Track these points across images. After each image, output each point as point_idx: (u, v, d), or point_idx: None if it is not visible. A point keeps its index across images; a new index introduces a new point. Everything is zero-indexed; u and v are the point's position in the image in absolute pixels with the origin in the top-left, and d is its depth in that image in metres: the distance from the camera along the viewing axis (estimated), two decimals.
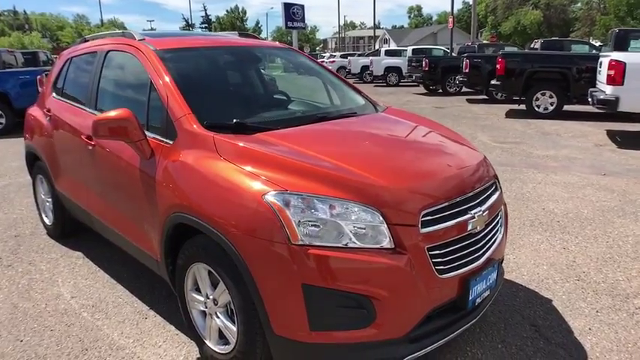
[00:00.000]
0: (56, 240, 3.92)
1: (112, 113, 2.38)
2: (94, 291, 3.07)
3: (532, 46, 15.06)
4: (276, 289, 1.84)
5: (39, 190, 4.07)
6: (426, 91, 17.67)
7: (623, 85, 6.84)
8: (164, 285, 2.84)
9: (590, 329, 2.51)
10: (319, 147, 2.20)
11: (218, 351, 2.22)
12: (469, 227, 2.01)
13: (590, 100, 8.08)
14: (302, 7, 17.42)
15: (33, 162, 4.03)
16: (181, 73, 2.62)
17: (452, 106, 13.04)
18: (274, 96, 3.39)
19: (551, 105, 10.18)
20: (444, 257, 1.93)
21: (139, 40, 2.87)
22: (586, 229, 3.92)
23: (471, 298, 2.05)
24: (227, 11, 69.55)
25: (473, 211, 2.04)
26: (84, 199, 3.21)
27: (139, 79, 2.71)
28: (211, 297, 2.19)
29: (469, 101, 14.01)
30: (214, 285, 2.17)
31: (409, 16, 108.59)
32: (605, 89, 7.16)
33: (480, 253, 2.09)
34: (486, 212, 2.12)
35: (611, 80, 6.96)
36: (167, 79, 2.51)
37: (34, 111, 3.95)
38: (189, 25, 56.08)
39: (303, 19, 17.55)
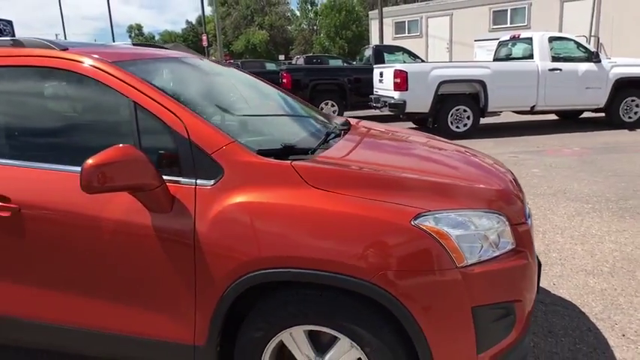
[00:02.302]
0: None
1: (115, 152, 1.62)
2: None
3: (294, 61, 16.61)
4: (443, 320, 1.63)
5: None
6: None
7: (407, 90, 8.32)
8: None
9: None
10: (395, 163, 2.01)
11: None
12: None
13: (374, 105, 9.55)
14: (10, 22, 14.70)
15: None
16: (180, 93, 1.96)
17: None
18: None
19: (334, 113, 11.53)
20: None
21: (65, 50, 2.00)
22: None
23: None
24: None
25: None
26: None
27: (101, 106, 1.90)
28: None
29: None
30: (323, 348, 1.75)
31: (130, 35, 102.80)
32: (392, 95, 8.56)
33: None
34: None
35: (397, 87, 8.37)
36: (172, 102, 1.84)
37: None
38: None
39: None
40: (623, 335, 2.50)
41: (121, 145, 1.67)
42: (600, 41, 12.34)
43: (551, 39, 8.79)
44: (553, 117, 10.39)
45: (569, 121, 10.21)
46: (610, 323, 2.62)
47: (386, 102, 8.77)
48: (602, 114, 9.18)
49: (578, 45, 8.83)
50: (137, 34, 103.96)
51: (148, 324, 1.86)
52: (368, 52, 12.54)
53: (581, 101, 8.80)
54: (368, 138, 2.44)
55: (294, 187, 1.71)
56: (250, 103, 2.74)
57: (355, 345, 1.68)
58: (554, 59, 8.65)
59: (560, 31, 13.07)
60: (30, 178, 1.92)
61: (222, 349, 1.85)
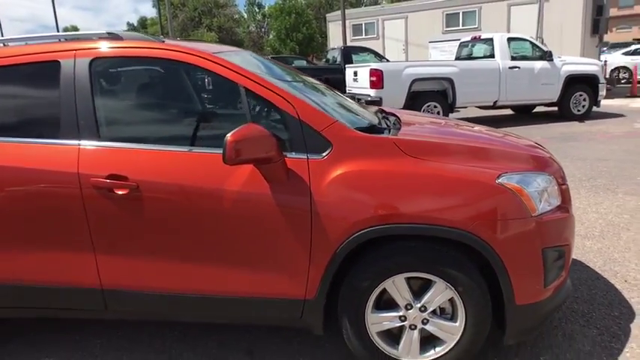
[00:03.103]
0: None
1: (249, 129, 1.87)
2: None
3: None
4: (521, 260, 2.01)
5: None
6: None
7: (383, 88, 8.79)
8: None
9: None
10: (462, 138, 2.38)
11: None
12: None
13: None
14: None
15: None
16: (279, 78, 2.22)
17: None
18: None
19: None
20: None
21: (163, 42, 2.22)
22: None
23: None
24: None
25: None
26: (79, 272, 2.17)
27: (212, 92, 2.14)
28: (417, 305, 2.08)
29: None
30: (419, 293, 2.08)
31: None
32: (369, 92, 9.00)
33: None
34: None
35: (373, 85, 8.82)
36: (279, 87, 2.11)
37: None
38: None
39: None
40: (626, 281, 3.01)
41: (252, 123, 1.92)
42: (544, 42, 13.36)
43: (510, 39, 9.59)
44: (509, 112, 11.25)
45: (525, 115, 11.11)
46: (612, 273, 3.13)
47: (360, 99, 9.19)
48: (555, 108, 10.09)
49: (533, 45, 9.68)
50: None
51: (264, 284, 2.11)
52: (334, 53, 12.96)
53: (537, 96, 9.65)
54: (423, 120, 2.80)
55: (396, 157, 2.03)
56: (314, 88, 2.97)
57: (450, 286, 2.03)
58: (513, 58, 9.44)
59: (508, 32, 14.06)
60: (144, 158, 2.11)
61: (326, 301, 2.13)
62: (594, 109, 9.98)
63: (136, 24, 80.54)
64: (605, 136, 8.06)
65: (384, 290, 2.09)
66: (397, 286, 2.07)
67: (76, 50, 2.23)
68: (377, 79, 8.74)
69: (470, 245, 1.97)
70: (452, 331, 2.10)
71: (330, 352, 2.41)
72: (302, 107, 2.09)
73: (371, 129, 2.24)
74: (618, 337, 2.43)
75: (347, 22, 19.34)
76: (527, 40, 9.75)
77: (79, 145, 2.13)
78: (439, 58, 14.66)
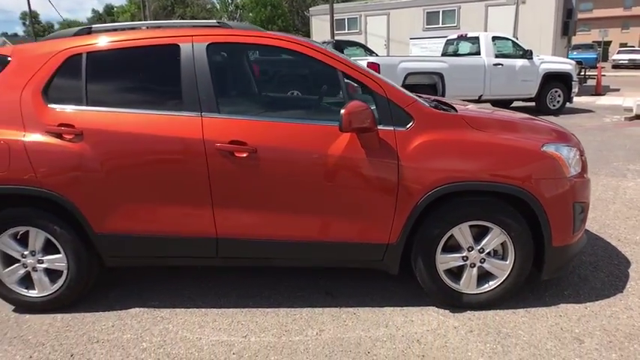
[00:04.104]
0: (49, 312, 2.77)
1: (357, 105, 2.36)
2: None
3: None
4: (558, 211, 2.59)
5: (11, 251, 2.71)
6: None
7: None
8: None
9: None
10: (501, 116, 2.94)
11: (480, 292, 2.69)
12: None
13: None
14: None
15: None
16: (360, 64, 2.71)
17: None
18: None
19: None
20: None
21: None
22: None
23: None
24: None
25: None
26: (198, 223, 2.60)
27: (316, 75, 2.60)
28: (477, 248, 2.62)
29: None
30: (480, 237, 2.62)
31: (24, 23, 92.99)
32: None
33: None
34: None
35: None
36: (369, 72, 2.60)
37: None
38: None
39: None
40: (619, 240, 3.67)
41: (357, 100, 2.41)
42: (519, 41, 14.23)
43: (494, 38, 10.33)
44: (488, 106, 12.04)
45: (504, 108, 11.91)
46: (607, 234, 3.79)
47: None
48: (532, 103, 10.92)
49: (515, 44, 10.46)
50: (33, 22, 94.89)
51: (355, 231, 2.61)
52: (325, 47, 13.38)
53: (518, 91, 10.45)
54: (468, 105, 3.33)
55: (464, 129, 2.57)
56: None
57: (504, 231, 2.59)
58: (497, 56, 10.19)
59: (485, 31, 14.87)
60: (260, 128, 2.56)
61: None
62: (567, 104, 10.88)
63: (101, 11, 78.30)
64: (580, 128, 8.89)
65: (451, 236, 2.63)
66: (462, 232, 2.62)
67: (193, 36, 2.64)
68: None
69: (520, 198, 2.53)
70: (503, 268, 2.66)
71: (394, 292, 2.93)
72: (388, 88, 2.60)
73: (437, 107, 2.77)
74: (620, 278, 3.06)
75: (329, 16, 19.79)
76: (510, 40, 10.52)
77: (201, 116, 2.56)
78: (419, 53, 15.38)
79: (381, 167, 2.51)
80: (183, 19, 50.12)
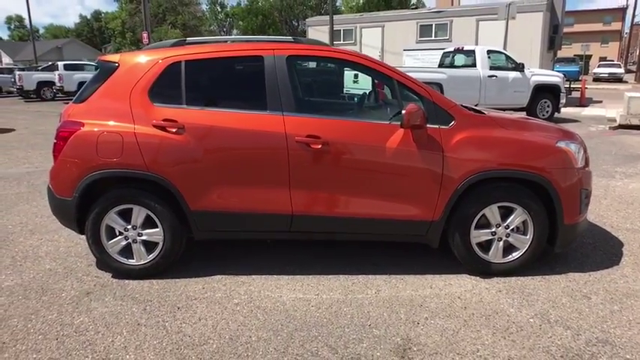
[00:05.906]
0: (152, 278, 3.28)
1: (414, 106, 2.96)
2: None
3: None
4: (569, 196, 3.20)
5: (116, 225, 3.22)
6: None
7: (384, 89, 9.98)
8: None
9: None
10: (520, 119, 3.56)
11: (505, 261, 3.28)
12: None
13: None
14: None
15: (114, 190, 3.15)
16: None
17: None
18: None
19: None
20: None
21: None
22: None
23: None
24: None
25: None
26: (278, 202, 3.15)
27: (367, 80, 3.19)
28: (504, 224, 3.23)
29: None
30: (505, 216, 3.22)
31: (9, 27, 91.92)
32: None
33: None
34: None
35: (377, 87, 10.00)
36: (416, 80, 3.20)
37: (121, 128, 3.09)
38: None
39: None
40: (612, 227, 4.33)
41: (413, 103, 3.00)
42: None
43: (489, 52, 11.10)
44: None
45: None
46: (602, 222, 4.44)
47: None
48: (523, 112, 11.70)
49: (508, 57, 11.25)
50: (18, 26, 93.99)
51: (406, 210, 3.20)
52: None
53: (511, 101, 11.21)
54: (492, 111, 3.96)
55: (494, 128, 3.19)
56: None
57: (525, 211, 3.19)
58: (492, 68, 10.95)
59: (476, 44, 15.70)
60: (330, 125, 3.14)
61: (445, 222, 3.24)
62: (555, 114, 11.69)
63: (89, 17, 78.08)
64: None
65: (483, 215, 3.22)
66: (492, 211, 3.22)
67: (274, 49, 3.22)
68: (379, 83, 9.92)
69: (540, 184, 3.14)
70: (524, 242, 3.27)
71: (431, 264, 3.51)
72: (433, 94, 3.21)
73: (470, 110, 3.38)
74: (616, 255, 3.70)
75: (326, 27, 20.52)
76: (503, 53, 11.31)
77: (282, 114, 3.12)
78: (412, 64, 16.15)
79: (429, 158, 3.10)
80: (175, 26, 50.57)
